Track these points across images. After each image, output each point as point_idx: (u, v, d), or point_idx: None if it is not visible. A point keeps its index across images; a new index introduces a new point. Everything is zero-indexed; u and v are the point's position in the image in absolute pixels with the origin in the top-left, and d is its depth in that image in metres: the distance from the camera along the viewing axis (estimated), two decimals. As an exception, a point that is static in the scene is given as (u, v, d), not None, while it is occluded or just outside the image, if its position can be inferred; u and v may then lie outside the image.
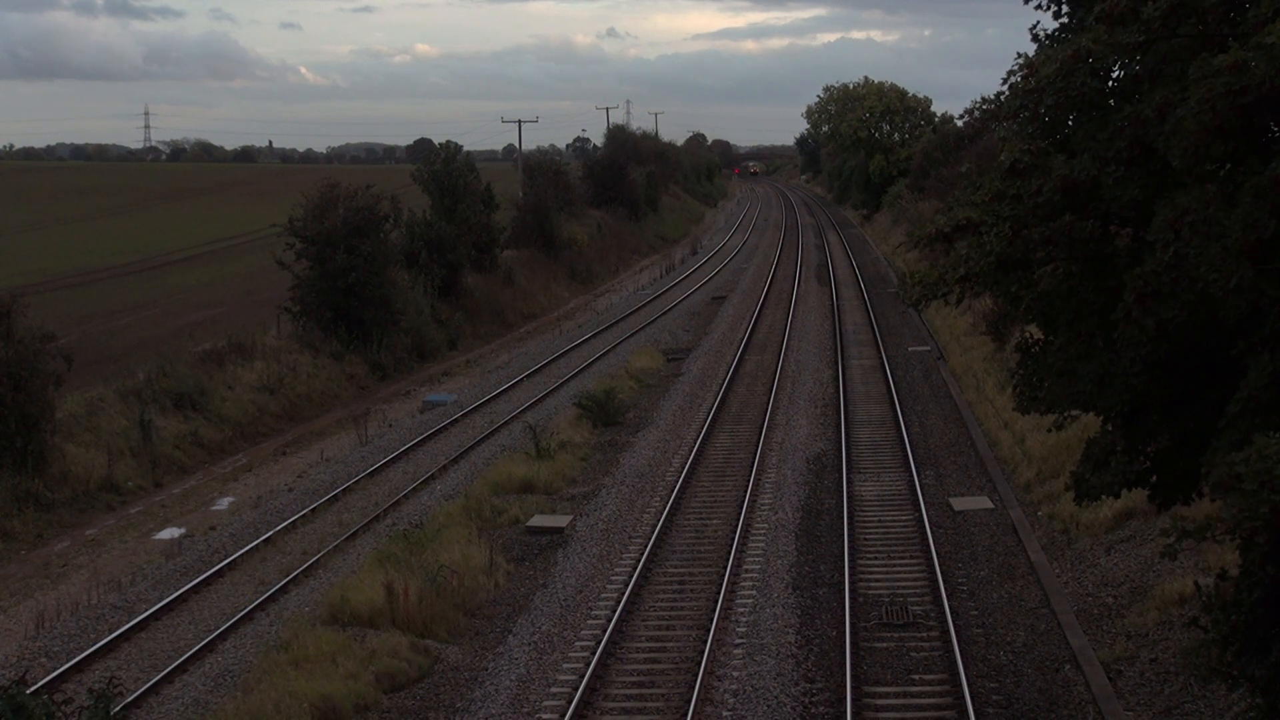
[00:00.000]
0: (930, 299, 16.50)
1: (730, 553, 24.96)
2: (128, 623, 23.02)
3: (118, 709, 17.98)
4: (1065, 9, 17.83)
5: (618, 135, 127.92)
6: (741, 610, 22.34)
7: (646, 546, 25.49)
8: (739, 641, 20.96)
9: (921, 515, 27.31)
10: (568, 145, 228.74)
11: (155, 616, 23.52)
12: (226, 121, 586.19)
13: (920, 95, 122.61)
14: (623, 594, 22.94)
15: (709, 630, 21.04)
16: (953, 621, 21.22)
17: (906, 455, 32.60)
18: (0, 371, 30.91)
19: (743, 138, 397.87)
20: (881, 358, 47.41)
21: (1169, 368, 15.35)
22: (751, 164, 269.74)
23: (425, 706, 19.39)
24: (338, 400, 44.86)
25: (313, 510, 30.08)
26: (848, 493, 29.14)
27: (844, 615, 21.56)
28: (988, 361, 42.02)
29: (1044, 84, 15.50)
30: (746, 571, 24.35)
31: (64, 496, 31.50)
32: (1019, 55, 16.96)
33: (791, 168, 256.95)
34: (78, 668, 21.12)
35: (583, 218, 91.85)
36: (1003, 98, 16.58)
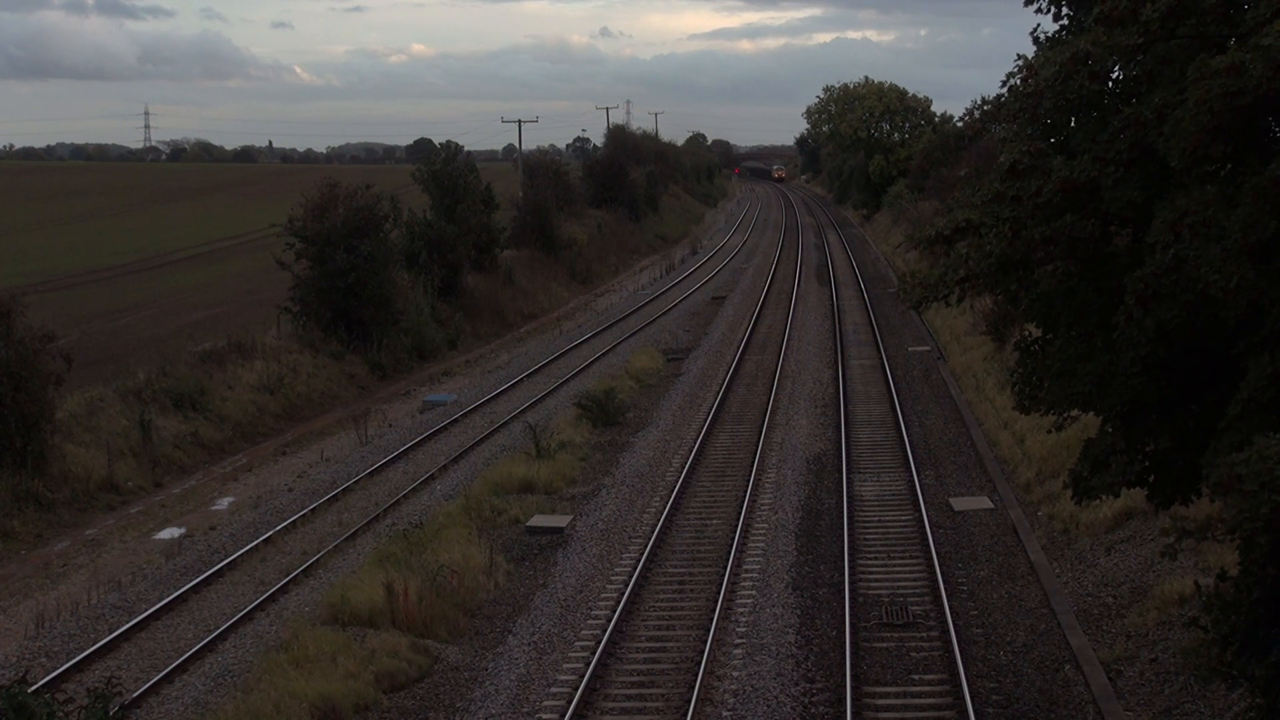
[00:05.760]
0: (931, 301, 16.52)
1: (730, 553, 24.97)
2: (128, 623, 23.01)
3: (117, 709, 17.99)
4: (1065, 10, 17.84)
5: (618, 135, 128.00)
6: (741, 610, 22.34)
7: (646, 546, 25.49)
8: (739, 641, 20.96)
9: (921, 515, 27.32)
10: (567, 145, 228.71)
11: (155, 616, 23.52)
12: (225, 121, 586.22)
13: (920, 95, 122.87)
14: (623, 594, 22.94)
15: (709, 630, 21.04)
16: (952, 621, 21.22)
17: (906, 455, 32.61)
18: (0, 371, 30.91)
19: (742, 138, 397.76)
20: (881, 357, 47.42)
21: (1169, 368, 15.37)
22: (776, 165, 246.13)
23: (425, 706, 19.40)
24: (338, 400, 44.86)
25: (313, 510, 30.07)
26: (847, 493, 29.14)
27: (844, 615, 21.56)
28: (988, 361, 42.04)
29: (1043, 87, 15.52)
30: (746, 571, 24.35)
31: (64, 496, 31.49)
32: (1019, 56, 17.01)
33: (791, 168, 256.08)
34: (78, 668, 21.11)
35: (583, 218, 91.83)
36: (1002, 100, 16.61)
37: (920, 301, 16.52)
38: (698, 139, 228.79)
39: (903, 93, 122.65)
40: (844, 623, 21.21)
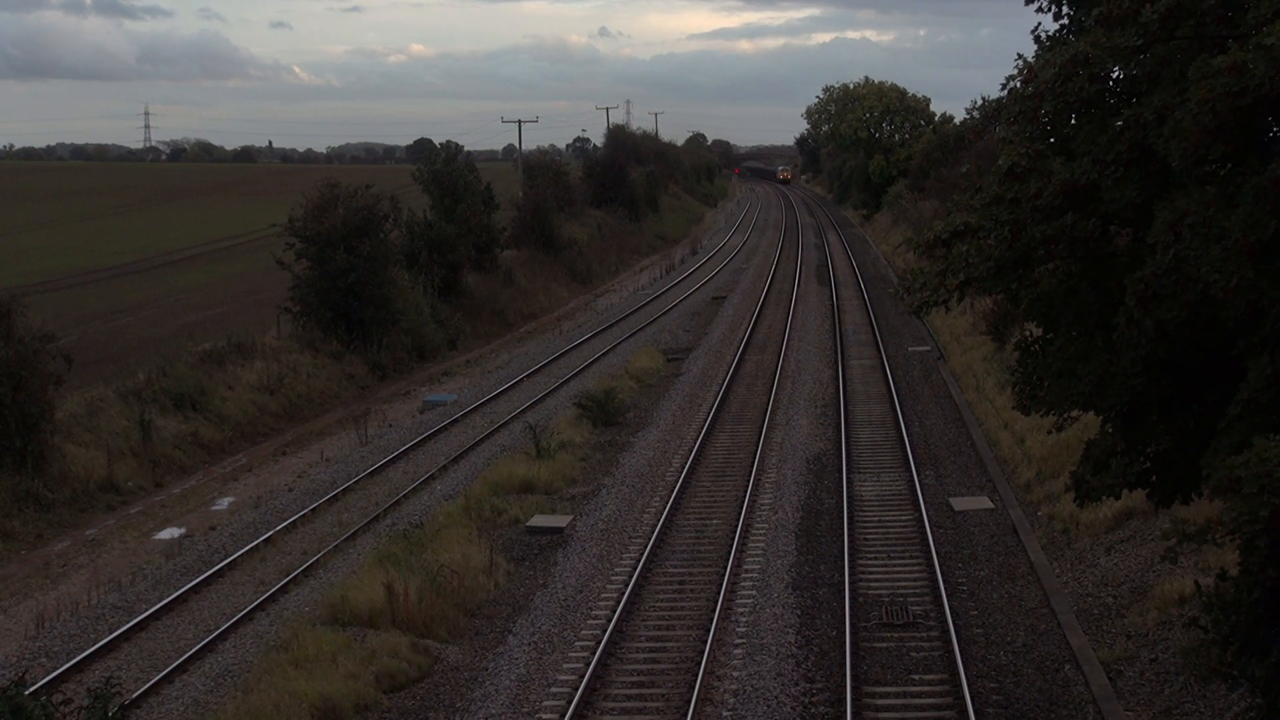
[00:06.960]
0: (931, 306, 16.51)
1: (730, 553, 24.97)
2: (128, 623, 23.01)
3: (117, 709, 17.99)
4: (1065, 10, 17.84)
5: (618, 135, 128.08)
6: (741, 610, 22.34)
7: (646, 546, 25.50)
8: (739, 641, 20.97)
9: (921, 515, 27.32)
10: (567, 145, 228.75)
11: (155, 616, 23.51)
12: (225, 121, 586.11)
13: (919, 95, 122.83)
14: (623, 594, 22.94)
15: (709, 630, 21.04)
16: (953, 621, 21.22)
17: (906, 455, 32.61)
18: (0, 371, 30.91)
19: (742, 138, 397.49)
20: (881, 357, 47.42)
21: (1169, 368, 15.37)
22: (780, 166, 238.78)
23: (425, 706, 19.40)
24: (338, 400, 44.85)
25: (313, 510, 30.07)
26: (848, 493, 29.14)
27: (844, 615, 21.56)
28: (988, 361, 42.04)
29: (1043, 89, 15.52)
30: (746, 571, 24.36)
31: (64, 496, 31.48)
32: (1018, 57, 17.00)
33: (792, 168, 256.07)
34: (78, 668, 21.11)
35: (583, 218, 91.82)
36: (1002, 103, 16.60)
37: (921, 307, 16.52)
38: (698, 139, 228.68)
39: (902, 93, 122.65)
40: (844, 623, 21.21)
